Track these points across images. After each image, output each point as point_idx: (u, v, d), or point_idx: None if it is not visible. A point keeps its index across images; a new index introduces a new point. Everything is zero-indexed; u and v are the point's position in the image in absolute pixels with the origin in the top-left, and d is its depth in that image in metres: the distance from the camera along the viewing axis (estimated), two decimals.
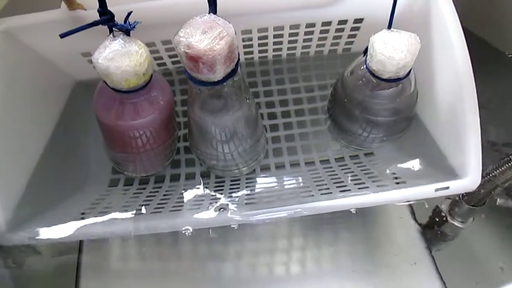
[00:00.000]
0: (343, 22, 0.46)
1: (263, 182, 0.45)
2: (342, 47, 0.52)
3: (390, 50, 0.33)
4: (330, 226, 0.47)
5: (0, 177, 0.36)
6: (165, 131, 0.41)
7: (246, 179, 0.46)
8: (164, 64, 0.50)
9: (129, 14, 0.32)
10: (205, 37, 0.28)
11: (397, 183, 0.41)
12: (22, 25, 0.40)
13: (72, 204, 0.42)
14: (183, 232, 0.38)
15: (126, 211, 0.40)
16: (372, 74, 0.36)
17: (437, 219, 0.48)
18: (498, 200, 0.47)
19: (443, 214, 0.47)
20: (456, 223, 0.47)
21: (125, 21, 0.32)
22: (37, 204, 0.40)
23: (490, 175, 0.41)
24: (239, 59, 0.31)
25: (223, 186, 0.44)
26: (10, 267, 0.42)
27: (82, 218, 0.39)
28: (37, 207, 0.40)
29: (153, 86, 0.36)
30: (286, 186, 0.45)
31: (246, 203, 0.40)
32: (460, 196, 0.46)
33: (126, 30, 0.32)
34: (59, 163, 0.45)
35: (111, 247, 0.46)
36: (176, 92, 0.53)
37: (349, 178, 0.43)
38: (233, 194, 0.42)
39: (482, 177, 0.38)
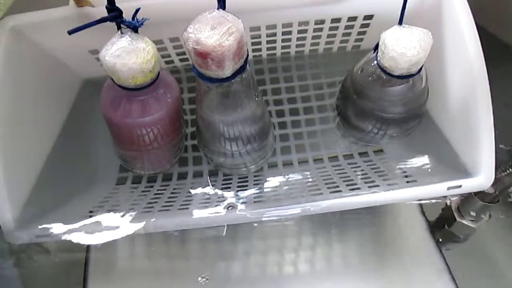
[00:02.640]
0: (352, 18, 0.46)
1: (271, 180, 0.45)
2: (351, 44, 0.51)
3: (402, 47, 0.33)
4: (339, 224, 0.47)
5: (9, 175, 0.36)
6: (173, 128, 0.41)
7: (254, 177, 0.45)
8: (172, 61, 0.50)
9: (137, 10, 0.32)
10: (214, 33, 0.27)
11: (408, 181, 0.40)
12: (30, 23, 0.39)
13: (80, 203, 0.42)
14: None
15: (134, 209, 0.39)
16: (384, 71, 0.36)
17: (448, 217, 0.47)
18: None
19: (454, 212, 0.47)
20: (467, 222, 0.46)
21: (133, 18, 0.32)
22: (45, 202, 0.40)
23: (505, 173, 0.40)
24: (247, 55, 0.31)
25: (231, 184, 0.44)
26: (18, 265, 0.42)
27: (90, 217, 0.39)
28: (45, 205, 0.40)
29: (161, 84, 0.36)
30: (294, 184, 0.44)
31: (254, 201, 0.40)
32: (473, 193, 0.46)
33: (134, 27, 0.32)
34: (67, 161, 0.45)
35: (119, 245, 0.46)
36: (184, 89, 0.52)
37: (359, 176, 0.43)
38: (241, 192, 0.41)
39: (496, 174, 0.37)
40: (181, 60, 0.50)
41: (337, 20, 0.46)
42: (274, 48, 0.51)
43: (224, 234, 0.42)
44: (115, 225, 0.38)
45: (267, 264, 0.45)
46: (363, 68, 0.39)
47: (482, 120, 0.37)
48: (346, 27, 0.48)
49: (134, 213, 0.39)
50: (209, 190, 0.43)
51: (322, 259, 0.45)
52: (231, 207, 0.38)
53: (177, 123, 0.41)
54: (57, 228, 0.37)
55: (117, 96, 0.36)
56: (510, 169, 0.40)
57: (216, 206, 0.39)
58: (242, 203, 0.39)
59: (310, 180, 0.44)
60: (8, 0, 0.38)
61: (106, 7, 0.31)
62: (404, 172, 0.43)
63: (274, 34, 0.48)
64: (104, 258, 0.46)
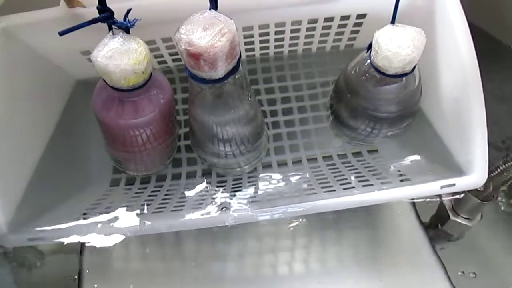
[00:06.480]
0: (345, 17, 0.46)
1: (265, 180, 0.45)
2: (344, 43, 0.51)
3: (396, 46, 0.33)
4: (333, 224, 0.47)
5: (1, 178, 0.36)
6: (166, 129, 0.40)
7: (248, 177, 0.45)
8: (165, 62, 0.50)
9: (128, 11, 0.32)
10: (206, 34, 0.27)
11: (402, 180, 0.41)
12: (21, 23, 0.39)
13: (73, 205, 0.42)
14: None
15: (127, 211, 0.39)
16: (377, 70, 0.36)
17: (442, 216, 0.47)
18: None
19: (448, 211, 0.47)
20: (461, 220, 0.46)
21: (124, 19, 0.32)
22: (38, 205, 0.40)
23: (497, 171, 0.40)
24: (240, 56, 0.31)
25: (225, 184, 0.44)
26: (12, 268, 0.42)
27: (84, 219, 0.38)
28: (38, 208, 0.39)
29: (153, 84, 0.36)
30: (288, 184, 0.44)
31: (248, 202, 0.39)
32: (467, 191, 0.46)
33: (126, 27, 0.32)
34: (60, 163, 0.45)
35: (113, 247, 0.46)
36: (177, 90, 0.52)
37: (353, 175, 0.43)
38: (235, 193, 0.41)
39: (489, 173, 0.38)
40: (173, 60, 0.50)
41: (330, 19, 0.46)
42: (267, 47, 0.51)
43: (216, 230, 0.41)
44: (109, 227, 0.38)
45: (262, 264, 0.45)
46: (357, 67, 0.39)
47: (474, 119, 0.37)
48: (339, 26, 0.48)
49: (128, 215, 0.39)
50: (203, 191, 0.43)
51: (317, 259, 0.45)
52: (225, 208, 0.38)
53: (170, 124, 0.41)
54: (50, 230, 0.37)
55: (109, 97, 0.36)
56: (503, 166, 0.41)
57: (210, 207, 0.39)
58: (236, 203, 0.39)
59: (304, 180, 0.44)
60: None
61: (97, 8, 0.31)
62: (398, 171, 0.43)
63: (267, 34, 0.48)
64: (99, 259, 0.45)
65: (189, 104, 0.37)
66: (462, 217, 0.46)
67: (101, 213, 0.39)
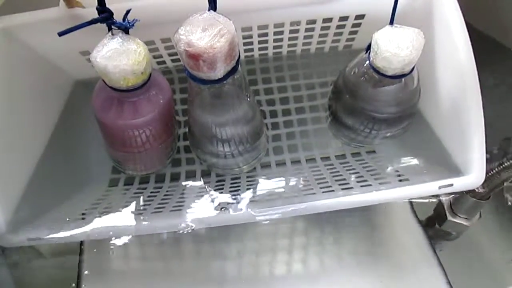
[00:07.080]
0: (344, 18, 0.46)
1: (264, 180, 0.45)
2: (343, 43, 0.52)
3: (395, 47, 0.33)
4: (332, 224, 0.47)
5: (1, 178, 0.36)
6: (165, 129, 0.40)
7: (247, 177, 0.45)
8: (164, 62, 0.50)
9: (127, 12, 0.32)
10: (206, 35, 0.27)
11: (400, 180, 0.41)
12: (20, 24, 0.39)
13: (72, 205, 0.42)
14: (184, 231, 0.37)
15: (127, 211, 0.39)
16: (376, 71, 0.36)
17: (440, 215, 0.48)
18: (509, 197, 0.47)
19: (446, 210, 0.47)
20: (459, 220, 0.46)
21: (123, 19, 0.32)
22: (37, 204, 0.40)
23: (495, 171, 0.41)
24: (239, 56, 0.31)
25: (224, 184, 0.44)
26: (11, 268, 0.42)
27: (83, 219, 0.38)
28: (37, 207, 0.39)
29: (153, 85, 0.36)
30: (287, 184, 0.44)
31: (247, 202, 0.39)
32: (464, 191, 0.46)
33: (125, 28, 0.32)
34: (59, 163, 0.45)
35: (113, 247, 0.46)
36: (176, 90, 0.52)
37: (351, 176, 0.43)
38: (234, 193, 0.41)
39: (487, 173, 0.38)
40: (173, 60, 0.50)
41: (329, 20, 0.46)
42: (266, 48, 0.51)
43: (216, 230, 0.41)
44: (108, 227, 0.38)
45: (261, 264, 0.45)
46: (356, 68, 0.39)
47: (472, 119, 0.37)
48: (338, 27, 0.48)
49: (127, 215, 0.39)
50: (202, 191, 0.43)
51: (316, 259, 0.45)
52: (224, 208, 0.38)
53: (169, 124, 0.41)
54: (49, 230, 0.37)
55: (108, 98, 0.36)
56: (501, 166, 0.41)
57: (209, 207, 0.39)
58: (235, 203, 0.39)
59: (303, 180, 0.44)
60: None
61: (97, 8, 0.31)
62: (397, 171, 0.43)
63: (266, 34, 0.48)
64: (98, 260, 0.45)
65: (188, 105, 0.37)
66: (460, 217, 0.46)
67: (100, 213, 0.39)
